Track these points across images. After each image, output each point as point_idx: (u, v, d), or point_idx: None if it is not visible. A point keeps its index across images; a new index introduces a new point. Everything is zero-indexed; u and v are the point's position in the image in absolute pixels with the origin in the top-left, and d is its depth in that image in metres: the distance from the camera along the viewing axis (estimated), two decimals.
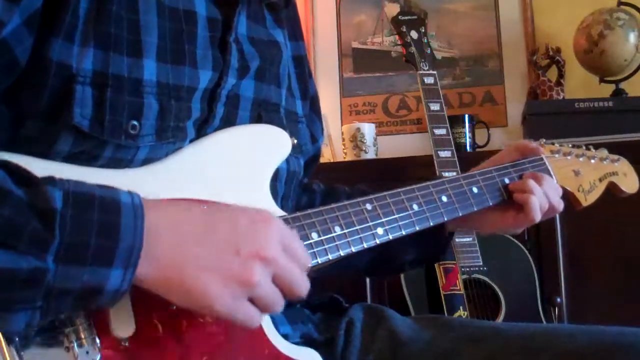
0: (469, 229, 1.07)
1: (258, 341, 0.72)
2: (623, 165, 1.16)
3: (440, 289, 1.70)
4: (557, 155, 1.08)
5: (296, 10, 1.04)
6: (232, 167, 0.78)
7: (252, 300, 0.63)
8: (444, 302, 1.68)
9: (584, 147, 1.13)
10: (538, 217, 0.96)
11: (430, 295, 1.72)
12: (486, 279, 1.77)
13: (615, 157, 1.16)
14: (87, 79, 0.67)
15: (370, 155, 2.28)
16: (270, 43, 0.91)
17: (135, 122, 0.70)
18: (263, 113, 0.86)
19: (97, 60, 0.68)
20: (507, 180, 0.99)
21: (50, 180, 0.58)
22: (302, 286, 0.67)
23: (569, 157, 1.09)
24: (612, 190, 1.13)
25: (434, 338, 0.87)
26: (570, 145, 1.11)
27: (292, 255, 0.66)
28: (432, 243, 1.03)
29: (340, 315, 0.93)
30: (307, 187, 1.09)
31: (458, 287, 1.71)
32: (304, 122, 0.98)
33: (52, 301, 0.56)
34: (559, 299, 1.85)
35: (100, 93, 0.68)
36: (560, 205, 1.00)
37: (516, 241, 1.81)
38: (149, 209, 0.60)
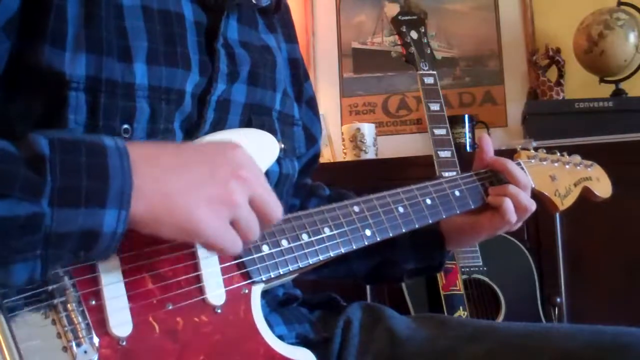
0: (463, 241, 1.08)
1: (254, 341, 0.72)
2: (596, 171, 1.19)
3: (440, 289, 1.70)
4: (533, 161, 1.11)
5: (289, 13, 1.05)
6: None
7: (232, 225, 0.64)
8: (444, 302, 1.68)
9: (558, 154, 1.16)
10: (513, 217, 0.98)
11: (430, 295, 1.72)
12: (486, 279, 1.77)
13: (589, 162, 1.19)
14: (81, 85, 0.67)
15: (370, 155, 2.28)
16: (262, 48, 0.91)
17: (127, 126, 0.71)
18: (253, 117, 0.87)
19: (90, 65, 0.68)
20: (487, 184, 1.01)
21: (35, 132, 0.59)
22: (276, 208, 0.68)
23: (544, 163, 1.12)
24: (586, 195, 1.16)
25: (432, 337, 0.87)
26: (544, 151, 1.15)
27: (262, 179, 0.68)
28: (431, 255, 1.06)
29: (338, 314, 0.93)
30: (314, 190, 1.09)
31: (458, 287, 1.71)
32: (300, 125, 0.98)
33: (51, 248, 0.56)
34: (559, 299, 1.85)
35: (94, 99, 0.68)
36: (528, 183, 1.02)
37: (516, 241, 1.81)
38: (131, 149, 0.61)
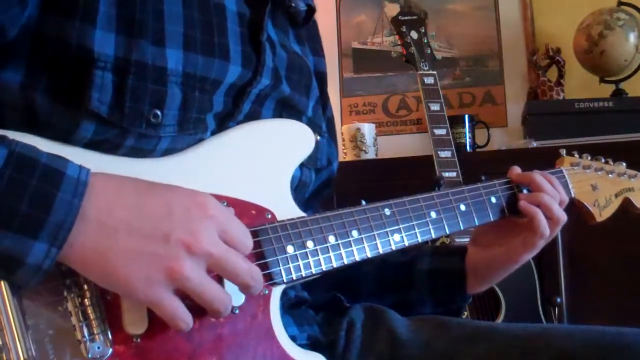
0: (495, 276, 1.01)
1: (269, 344, 0.71)
2: (639, 181, 1.14)
3: None
4: (576, 168, 1.06)
5: (317, 28, 1.03)
6: (254, 161, 0.77)
7: (186, 297, 0.61)
8: None
9: (602, 160, 1.11)
10: (546, 230, 0.92)
11: None
12: None
13: (633, 172, 1.14)
14: (108, 65, 0.66)
15: (370, 155, 2.28)
16: (295, 54, 0.90)
17: (157, 111, 0.69)
18: (285, 114, 0.85)
19: (119, 45, 0.66)
20: (525, 191, 0.97)
21: (6, 139, 0.57)
22: (245, 274, 0.64)
23: (587, 171, 1.07)
24: (626, 206, 1.11)
25: (432, 338, 0.87)
26: (589, 158, 1.10)
27: (231, 242, 0.64)
28: (451, 298, 1.02)
29: (341, 316, 0.93)
30: None
31: None
32: (325, 138, 0.96)
33: None
34: (559, 299, 1.85)
35: (121, 79, 0.67)
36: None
37: None
38: (92, 189, 0.59)
